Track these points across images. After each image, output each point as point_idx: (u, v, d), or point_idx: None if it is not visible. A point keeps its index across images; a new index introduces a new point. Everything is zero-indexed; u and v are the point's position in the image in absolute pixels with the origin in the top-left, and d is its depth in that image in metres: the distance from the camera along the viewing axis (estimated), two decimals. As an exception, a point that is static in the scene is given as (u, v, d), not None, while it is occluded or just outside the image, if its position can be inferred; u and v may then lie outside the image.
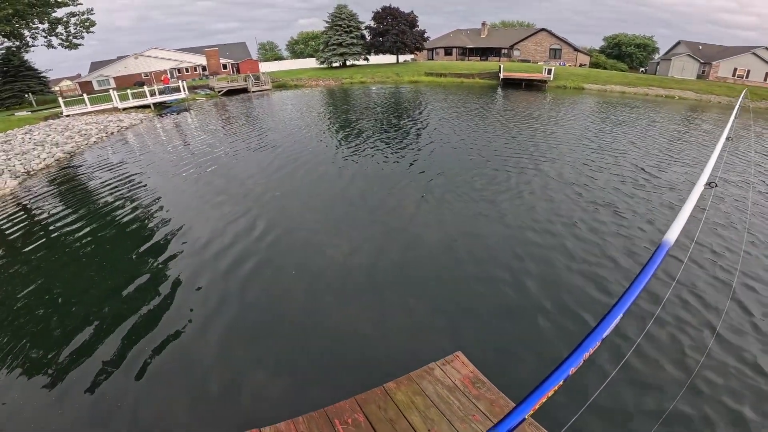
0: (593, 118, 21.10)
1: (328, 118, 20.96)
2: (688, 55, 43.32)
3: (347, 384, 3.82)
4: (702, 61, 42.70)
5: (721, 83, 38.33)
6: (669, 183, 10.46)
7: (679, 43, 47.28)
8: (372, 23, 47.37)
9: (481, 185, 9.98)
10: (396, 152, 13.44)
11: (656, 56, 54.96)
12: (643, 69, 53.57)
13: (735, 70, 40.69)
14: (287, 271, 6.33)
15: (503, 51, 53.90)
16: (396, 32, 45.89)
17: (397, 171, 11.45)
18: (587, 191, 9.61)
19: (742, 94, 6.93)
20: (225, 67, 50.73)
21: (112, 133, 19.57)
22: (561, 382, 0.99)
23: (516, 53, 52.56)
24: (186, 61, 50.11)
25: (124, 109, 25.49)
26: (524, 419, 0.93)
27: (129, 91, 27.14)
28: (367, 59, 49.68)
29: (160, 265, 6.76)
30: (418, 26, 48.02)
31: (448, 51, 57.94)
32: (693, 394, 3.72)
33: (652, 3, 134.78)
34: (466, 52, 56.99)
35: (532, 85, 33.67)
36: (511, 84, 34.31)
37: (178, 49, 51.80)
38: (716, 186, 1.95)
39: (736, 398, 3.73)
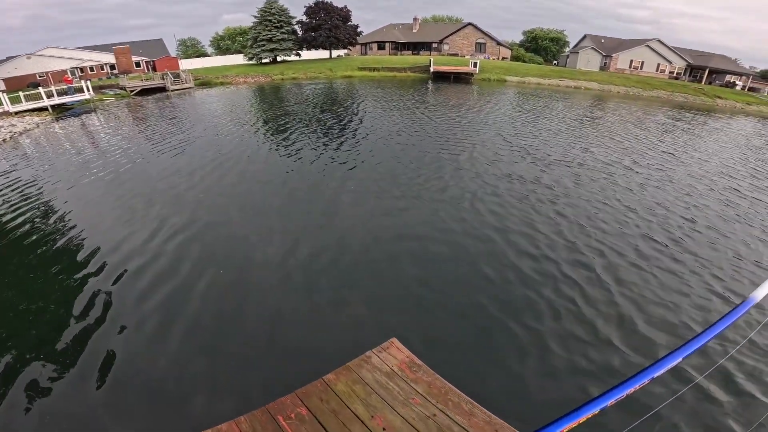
0: (512, 107, 22.92)
1: (256, 116, 20.09)
2: (593, 48, 48.29)
3: (286, 379, 3.76)
4: (604, 54, 47.87)
5: (620, 74, 43.41)
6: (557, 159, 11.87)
7: (585, 36, 52.46)
8: (304, 18, 46.11)
9: (410, 177, 10.34)
10: (326, 148, 13.32)
11: (567, 50, 60.52)
12: (555, 62, 58.68)
13: (631, 61, 46.28)
14: (214, 271, 6.06)
15: (434, 45, 55.64)
16: (329, 27, 45.17)
17: (327, 166, 11.39)
18: (503, 175, 10.47)
19: None
20: (138, 65, 46.12)
21: (3, 140, 16.82)
22: (597, 411, 0.98)
23: (445, 47, 54.57)
24: (90, 60, 44.66)
25: (16, 113, 22.05)
26: None
27: (21, 93, 23.50)
28: (299, 55, 48.32)
29: (68, 279, 6.05)
30: (351, 21, 47.71)
31: (381, 45, 58.37)
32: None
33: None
34: (399, 47, 57.90)
35: (460, 78, 35.32)
36: (441, 77, 35.65)
37: (81, 47, 46.03)
38: None
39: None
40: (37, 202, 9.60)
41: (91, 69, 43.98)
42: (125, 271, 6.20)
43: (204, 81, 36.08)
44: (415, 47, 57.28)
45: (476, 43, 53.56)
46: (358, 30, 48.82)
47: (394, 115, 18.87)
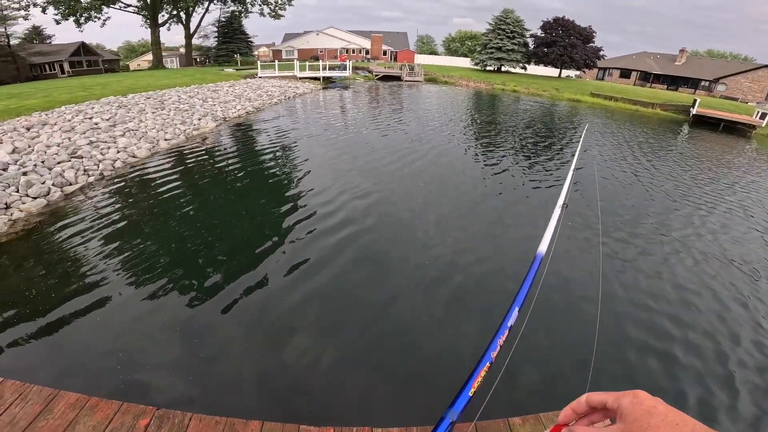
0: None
1: (463, 117, 20.67)
2: None
3: (473, 406, 3.56)
4: None
5: None
6: None
7: None
8: (539, 32, 44.26)
9: (630, 224, 8.35)
10: (537, 171, 12.27)
11: None
12: None
13: None
14: (420, 262, 6.14)
15: (702, 83, 44.48)
16: (564, 45, 41.87)
17: (536, 192, 10.45)
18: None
19: (584, 132, 8.64)
20: (385, 53, 54.16)
21: (288, 97, 22.91)
22: (488, 364, 1.20)
23: (720, 88, 42.77)
24: (354, 43, 55.14)
25: (300, 78, 29.50)
26: (470, 397, 1.09)
27: (307, 63, 31.25)
28: (524, 68, 46.88)
29: (268, 207, 7.83)
30: (594, 42, 42.92)
31: (625, 73, 50.62)
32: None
33: None
34: (650, 78, 48.83)
35: (734, 129, 26.88)
36: (704, 122, 28.00)
37: (350, 31, 57.13)
38: (567, 206, 2.50)
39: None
40: (285, 142, 13.07)
41: (353, 51, 54.43)
42: (309, 216, 7.29)
43: (431, 77, 39.53)
44: (674, 82, 47.14)
45: (774, 89, 39.77)
46: (600, 53, 43.30)
47: (627, 157, 15.69)
